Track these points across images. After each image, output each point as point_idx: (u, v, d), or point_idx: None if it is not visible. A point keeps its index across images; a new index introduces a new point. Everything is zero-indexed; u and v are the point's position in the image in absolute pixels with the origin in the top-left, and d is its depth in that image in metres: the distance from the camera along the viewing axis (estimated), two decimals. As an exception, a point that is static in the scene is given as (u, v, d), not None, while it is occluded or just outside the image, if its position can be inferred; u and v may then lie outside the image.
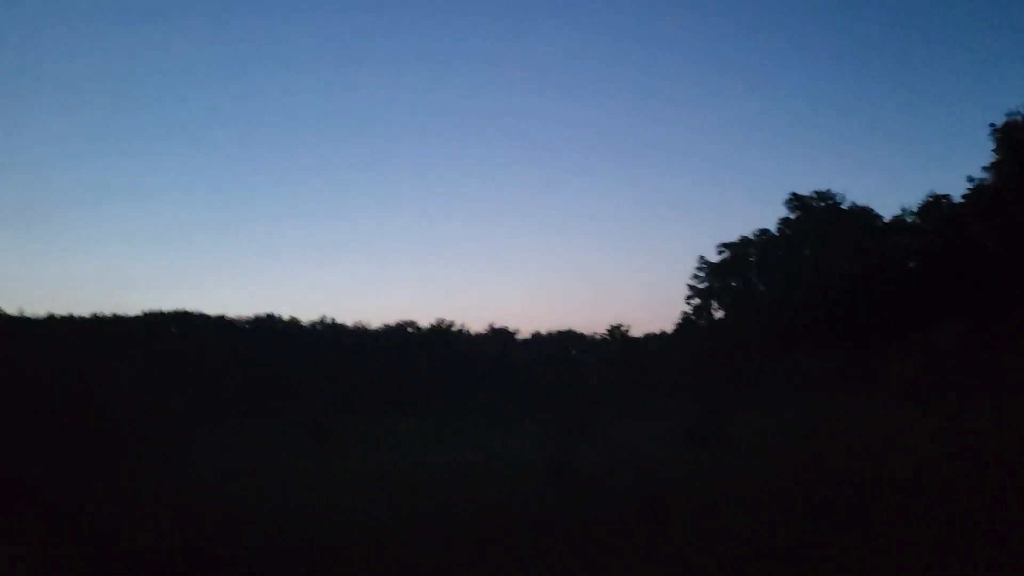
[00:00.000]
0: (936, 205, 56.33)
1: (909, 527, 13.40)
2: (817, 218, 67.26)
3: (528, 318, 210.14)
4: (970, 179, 53.62)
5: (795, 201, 68.75)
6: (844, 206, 64.59)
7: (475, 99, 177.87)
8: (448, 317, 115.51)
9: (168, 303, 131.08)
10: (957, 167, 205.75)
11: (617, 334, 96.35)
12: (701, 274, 73.62)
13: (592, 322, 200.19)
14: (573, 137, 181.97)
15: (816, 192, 67.61)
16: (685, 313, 74.39)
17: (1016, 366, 36.98)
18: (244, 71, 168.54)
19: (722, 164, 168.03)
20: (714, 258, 73.06)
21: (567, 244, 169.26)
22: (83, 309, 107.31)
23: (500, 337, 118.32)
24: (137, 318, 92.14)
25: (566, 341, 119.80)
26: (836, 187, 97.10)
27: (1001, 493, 15.31)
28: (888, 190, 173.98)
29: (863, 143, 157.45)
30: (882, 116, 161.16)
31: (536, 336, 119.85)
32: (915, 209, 59.53)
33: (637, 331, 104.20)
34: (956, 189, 65.16)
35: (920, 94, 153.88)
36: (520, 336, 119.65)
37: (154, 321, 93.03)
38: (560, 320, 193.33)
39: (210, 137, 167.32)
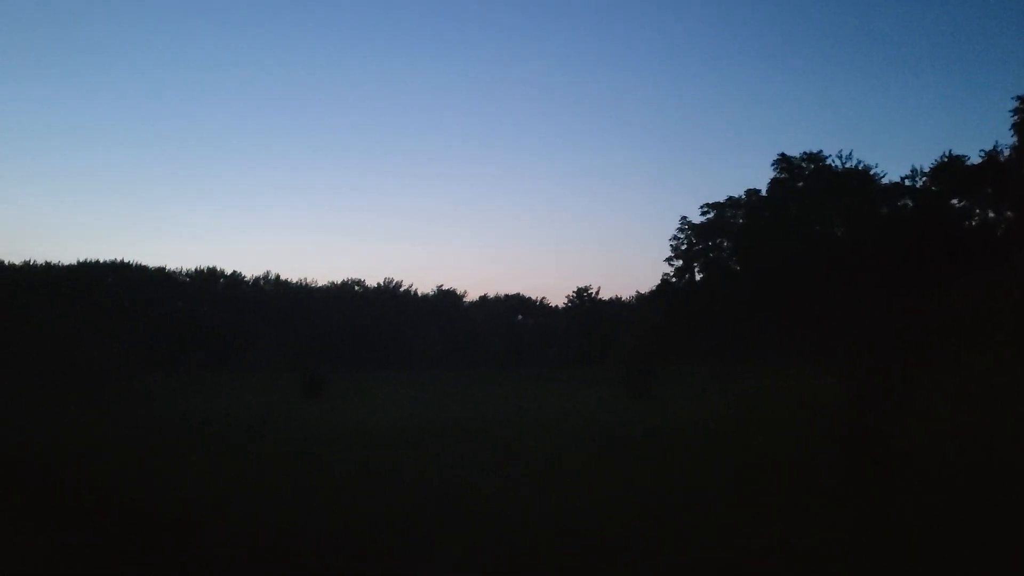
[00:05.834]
0: (950, 166, 55.33)
1: None
2: (805, 179, 66.20)
3: (488, 281, 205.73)
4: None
5: (782, 163, 67.57)
6: (844, 166, 63.39)
7: (429, 54, 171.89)
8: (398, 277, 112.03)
9: (104, 253, 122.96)
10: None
11: (584, 297, 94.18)
12: (682, 235, 71.95)
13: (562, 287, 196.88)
14: (555, 93, 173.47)
15: (805, 153, 66.46)
16: (665, 275, 72.67)
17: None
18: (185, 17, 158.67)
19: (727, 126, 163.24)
20: (697, 219, 71.53)
21: (544, 211, 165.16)
22: (14, 256, 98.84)
23: (447, 298, 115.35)
24: (71, 267, 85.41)
25: (512, 304, 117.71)
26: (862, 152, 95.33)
27: None
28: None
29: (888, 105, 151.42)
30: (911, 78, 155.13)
31: (483, 298, 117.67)
32: (926, 170, 58.88)
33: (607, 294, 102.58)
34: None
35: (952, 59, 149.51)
36: (467, 299, 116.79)
37: (89, 271, 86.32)
38: (532, 284, 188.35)
39: (157, 86, 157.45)
